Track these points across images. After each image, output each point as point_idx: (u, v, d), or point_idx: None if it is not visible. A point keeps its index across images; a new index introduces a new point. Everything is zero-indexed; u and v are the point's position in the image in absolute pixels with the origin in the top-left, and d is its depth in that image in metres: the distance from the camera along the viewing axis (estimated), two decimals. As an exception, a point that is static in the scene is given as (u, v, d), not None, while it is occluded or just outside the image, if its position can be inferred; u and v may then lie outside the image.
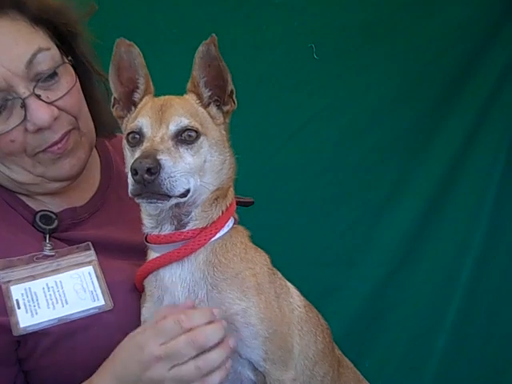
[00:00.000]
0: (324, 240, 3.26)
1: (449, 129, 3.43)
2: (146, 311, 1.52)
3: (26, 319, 1.41)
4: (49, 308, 1.43)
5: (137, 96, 1.54)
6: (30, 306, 1.42)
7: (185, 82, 1.54)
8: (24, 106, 1.51)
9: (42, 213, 1.63)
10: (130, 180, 1.35)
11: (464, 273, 3.43)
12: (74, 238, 1.63)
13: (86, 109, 1.69)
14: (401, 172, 3.40)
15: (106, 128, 1.79)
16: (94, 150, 1.82)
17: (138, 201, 1.39)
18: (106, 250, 1.62)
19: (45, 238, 1.58)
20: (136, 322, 1.52)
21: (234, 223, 1.56)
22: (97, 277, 1.51)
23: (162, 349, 1.34)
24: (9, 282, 1.44)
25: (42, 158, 1.58)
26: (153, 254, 1.51)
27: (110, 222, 1.70)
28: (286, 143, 3.19)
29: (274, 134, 3.15)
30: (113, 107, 1.56)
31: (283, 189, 3.16)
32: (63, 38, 1.64)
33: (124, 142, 1.48)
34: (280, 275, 1.62)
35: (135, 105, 1.54)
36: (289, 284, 1.65)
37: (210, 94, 1.52)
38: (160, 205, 1.40)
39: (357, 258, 3.34)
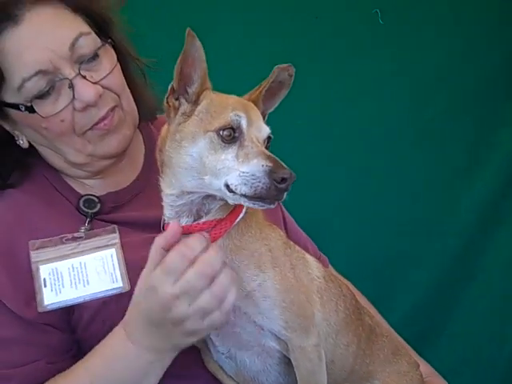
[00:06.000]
0: (396, 207, 3.19)
1: None
2: None
3: (51, 297, 1.54)
4: (71, 287, 1.55)
5: (191, 89, 1.49)
6: (55, 284, 1.55)
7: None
8: (71, 86, 1.62)
9: (86, 197, 1.75)
10: (255, 183, 1.36)
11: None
12: (116, 220, 1.74)
13: (128, 89, 1.80)
14: (482, 138, 3.26)
15: (147, 110, 1.89)
16: (138, 132, 1.93)
17: (252, 202, 1.40)
18: (148, 229, 1.70)
19: (86, 221, 1.70)
20: None
21: None
22: (118, 259, 1.60)
23: (176, 287, 1.37)
24: (38, 261, 1.57)
25: (90, 136, 1.70)
26: None
27: (152, 202, 1.72)
28: (352, 110, 3.14)
29: (338, 102, 3.12)
30: (167, 97, 1.52)
31: (348, 155, 3.14)
32: (99, 26, 1.75)
33: (206, 136, 1.43)
34: (298, 248, 1.67)
35: (186, 99, 1.50)
36: (307, 256, 1.68)
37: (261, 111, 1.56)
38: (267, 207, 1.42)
39: (433, 226, 3.23)
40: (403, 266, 3.20)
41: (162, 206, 1.60)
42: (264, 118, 1.57)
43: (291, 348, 1.54)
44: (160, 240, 1.44)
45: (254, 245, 1.54)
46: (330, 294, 1.66)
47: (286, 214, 2.16)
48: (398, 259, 3.18)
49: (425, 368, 1.98)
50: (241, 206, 1.55)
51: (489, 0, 3.21)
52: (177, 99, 1.50)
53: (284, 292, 1.51)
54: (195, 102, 1.49)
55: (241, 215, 1.55)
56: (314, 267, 1.67)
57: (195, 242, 1.41)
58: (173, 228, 1.45)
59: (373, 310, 2.07)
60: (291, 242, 1.67)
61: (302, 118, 3.02)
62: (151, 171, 1.83)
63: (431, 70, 3.20)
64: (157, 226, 1.62)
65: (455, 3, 3.19)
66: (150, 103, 1.91)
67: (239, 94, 1.57)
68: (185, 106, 1.50)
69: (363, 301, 2.04)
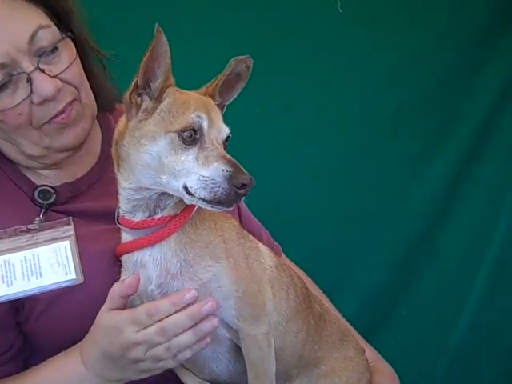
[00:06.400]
0: (352, 196, 3.22)
1: (485, 79, 3.28)
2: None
3: (2, 289, 1.54)
4: (24, 280, 1.55)
5: (154, 85, 1.47)
6: (6, 276, 1.55)
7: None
8: (29, 80, 1.61)
9: (41, 188, 1.74)
10: (214, 188, 1.38)
11: (496, 236, 3.31)
12: (71, 210, 1.75)
13: (87, 81, 1.79)
14: (433, 128, 3.29)
15: (105, 101, 1.89)
16: (96, 122, 1.92)
17: (210, 206, 1.41)
18: (103, 220, 1.72)
19: (40, 212, 1.70)
20: None
21: None
22: (72, 251, 1.61)
23: (138, 336, 1.47)
24: None
25: (47, 129, 1.69)
26: (125, 236, 1.60)
27: (108, 192, 1.73)
28: (310, 99, 3.13)
29: (296, 90, 3.10)
30: (130, 93, 1.49)
31: (308, 145, 3.14)
32: (59, 17, 1.74)
33: (166, 137, 1.43)
34: (251, 237, 1.71)
35: (149, 95, 1.48)
36: (260, 245, 1.73)
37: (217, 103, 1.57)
38: (224, 210, 1.45)
39: (389, 215, 3.28)
40: (355, 253, 3.25)
41: (116, 197, 1.62)
42: (222, 110, 1.59)
43: (242, 336, 1.59)
44: (118, 289, 1.51)
45: (208, 237, 1.57)
46: (281, 283, 1.71)
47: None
48: (350, 247, 3.24)
49: (370, 353, 2.05)
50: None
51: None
52: (139, 95, 1.49)
53: (237, 282, 1.55)
54: (157, 99, 1.48)
55: (195, 209, 1.58)
56: (266, 256, 1.71)
57: (165, 306, 1.47)
58: (131, 282, 1.50)
59: (324, 298, 2.13)
60: (245, 232, 1.71)
61: (259, 107, 3.01)
62: (108, 161, 1.82)
63: (389, 62, 3.20)
64: (110, 216, 1.64)
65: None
66: (109, 94, 1.91)
67: (196, 87, 1.59)
68: (147, 103, 1.48)
69: (313, 288, 2.11)
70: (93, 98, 1.81)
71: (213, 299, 1.49)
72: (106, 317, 1.52)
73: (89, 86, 1.80)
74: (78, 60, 1.75)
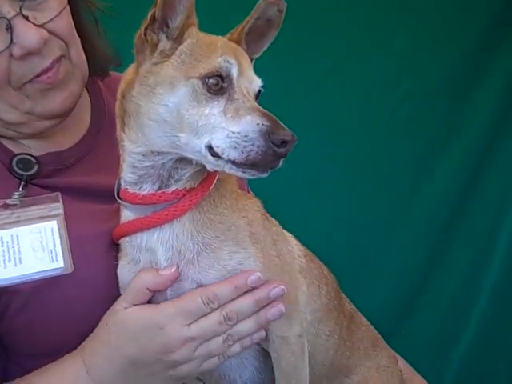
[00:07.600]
0: (357, 201, 3.02)
1: (492, 77, 3.13)
2: (120, 269, 1.37)
3: None
4: (-1, 266, 1.28)
5: (174, 23, 1.24)
6: None
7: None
8: (10, 27, 1.34)
9: (21, 156, 1.47)
10: (247, 146, 1.15)
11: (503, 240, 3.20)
12: (57, 185, 1.48)
13: (77, 37, 1.52)
14: (437, 126, 3.12)
15: (97, 64, 1.62)
16: (84, 89, 1.64)
17: (241, 170, 1.18)
18: (95, 199, 1.48)
19: (19, 185, 1.43)
20: (109, 280, 1.37)
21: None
22: (59, 234, 1.33)
23: (193, 330, 1.27)
24: None
25: (29, 90, 1.42)
26: (127, 214, 1.34)
27: (101, 167, 1.53)
28: (309, 93, 2.92)
29: (295, 84, 2.88)
30: (145, 28, 1.26)
31: (307, 144, 2.91)
32: None
33: (188, 83, 1.20)
34: (275, 222, 1.46)
35: (166, 34, 1.25)
36: (286, 232, 1.48)
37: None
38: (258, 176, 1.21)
39: (396, 221, 3.11)
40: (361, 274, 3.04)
41: (111, 172, 1.39)
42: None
43: (271, 338, 1.35)
44: (148, 279, 1.30)
45: (230, 217, 1.33)
46: (312, 276, 1.47)
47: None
48: (356, 269, 3.02)
49: (400, 363, 1.78)
50: (214, 174, 1.32)
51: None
52: (155, 33, 1.25)
53: (267, 271, 1.31)
54: (177, 40, 1.24)
55: (212, 185, 1.33)
56: (293, 244, 1.48)
57: (226, 291, 1.27)
58: (172, 276, 1.28)
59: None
60: (268, 214, 1.46)
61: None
62: (98, 133, 1.61)
63: (393, 57, 3.03)
64: (105, 195, 1.41)
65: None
66: (102, 56, 1.64)
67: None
68: (164, 43, 1.24)
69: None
70: (84, 58, 1.55)
71: (282, 281, 1.30)
72: (135, 314, 1.28)
73: (79, 43, 1.53)
74: (69, 9, 1.48)
